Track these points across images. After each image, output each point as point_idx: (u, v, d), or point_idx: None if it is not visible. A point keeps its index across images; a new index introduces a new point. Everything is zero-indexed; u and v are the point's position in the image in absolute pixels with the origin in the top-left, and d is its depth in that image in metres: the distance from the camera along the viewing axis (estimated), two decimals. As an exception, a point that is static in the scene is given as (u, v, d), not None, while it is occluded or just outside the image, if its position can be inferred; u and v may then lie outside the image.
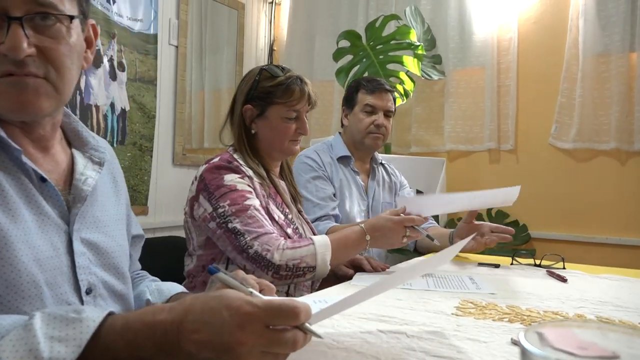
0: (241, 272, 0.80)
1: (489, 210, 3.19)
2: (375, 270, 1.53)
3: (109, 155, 0.99)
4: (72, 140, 0.95)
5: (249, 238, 1.33)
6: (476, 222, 1.79)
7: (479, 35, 3.21)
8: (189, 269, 1.52)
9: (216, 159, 1.47)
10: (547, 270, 1.56)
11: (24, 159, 0.79)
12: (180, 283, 1.53)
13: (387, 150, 3.20)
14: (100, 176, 0.93)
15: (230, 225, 1.35)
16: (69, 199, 0.86)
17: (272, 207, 1.48)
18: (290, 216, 1.54)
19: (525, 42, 3.14)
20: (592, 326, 0.48)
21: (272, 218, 1.45)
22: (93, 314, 0.60)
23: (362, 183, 2.08)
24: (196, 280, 1.50)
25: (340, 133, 2.17)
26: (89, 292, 0.85)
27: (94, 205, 0.91)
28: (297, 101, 1.50)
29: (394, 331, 0.89)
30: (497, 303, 1.13)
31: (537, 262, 1.66)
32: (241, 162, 1.48)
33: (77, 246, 0.84)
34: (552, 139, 3.04)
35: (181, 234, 1.62)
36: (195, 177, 1.47)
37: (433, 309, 1.06)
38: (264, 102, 1.51)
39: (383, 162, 2.21)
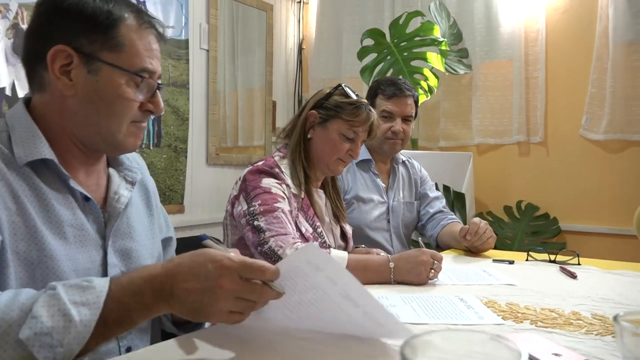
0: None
1: (518, 203, 3.18)
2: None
3: (140, 175, 1.10)
4: (110, 160, 1.07)
5: (267, 235, 1.41)
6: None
7: (506, 28, 3.19)
8: (222, 263, 1.63)
9: (260, 163, 1.57)
10: (560, 267, 1.58)
11: (72, 183, 0.91)
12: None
13: (414, 145, 3.23)
14: (133, 193, 1.04)
15: (255, 222, 1.44)
16: (104, 215, 0.98)
17: (301, 220, 1.55)
18: (319, 230, 1.60)
19: (553, 33, 3.10)
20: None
21: (299, 230, 1.52)
22: (100, 281, 0.73)
23: (382, 185, 2.12)
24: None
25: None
26: None
27: (127, 218, 1.01)
28: (360, 124, 1.59)
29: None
30: (497, 300, 1.18)
31: (552, 258, 1.68)
32: (284, 169, 1.57)
33: (111, 259, 0.95)
34: (583, 130, 3.00)
35: (214, 231, 1.71)
36: (239, 178, 1.57)
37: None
38: (331, 113, 1.59)
39: (404, 159, 2.25)
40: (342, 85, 1.64)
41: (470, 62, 3.29)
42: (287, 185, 1.54)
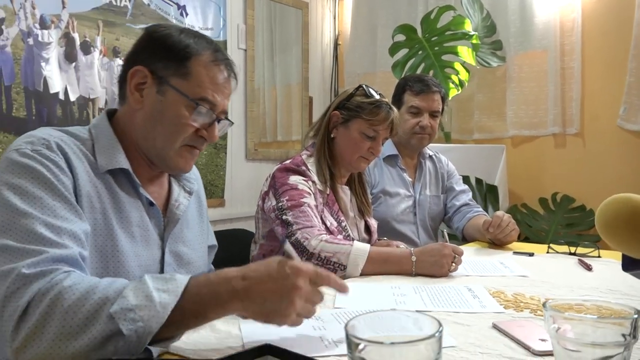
0: None
1: (553, 195, 3.16)
2: None
3: (196, 186, 1.23)
4: None
5: (295, 228, 1.51)
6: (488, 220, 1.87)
7: (540, 18, 3.16)
8: (253, 254, 1.75)
9: (288, 162, 1.68)
10: (578, 259, 1.61)
11: (141, 190, 1.05)
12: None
13: (447, 138, 3.27)
14: (189, 202, 1.18)
15: (284, 217, 1.54)
16: (164, 220, 1.11)
17: (326, 214, 1.65)
18: (344, 224, 1.69)
19: (589, 22, 3.05)
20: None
21: (324, 224, 1.61)
22: (182, 276, 0.82)
23: (409, 179, 2.19)
24: (258, 267, 1.72)
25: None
26: None
27: (183, 224, 1.15)
28: (379, 122, 1.66)
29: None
30: (504, 291, 1.24)
31: (572, 250, 1.71)
32: (310, 166, 1.67)
33: (167, 258, 1.09)
34: (621, 120, 2.95)
35: (253, 224, 1.82)
36: (269, 175, 1.69)
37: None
38: (352, 113, 1.68)
39: (431, 154, 2.30)
40: (363, 85, 1.72)
41: (504, 54, 3.28)
42: (313, 182, 1.63)
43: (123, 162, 1.03)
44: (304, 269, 0.82)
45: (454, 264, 1.42)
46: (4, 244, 0.81)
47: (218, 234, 1.42)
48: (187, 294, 0.79)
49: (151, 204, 1.07)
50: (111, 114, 1.11)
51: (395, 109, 1.71)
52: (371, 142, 1.68)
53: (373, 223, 1.85)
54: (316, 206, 1.60)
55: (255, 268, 0.83)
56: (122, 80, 1.08)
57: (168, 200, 1.14)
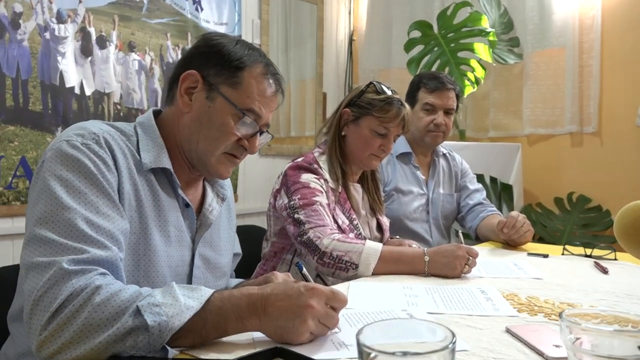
0: None
1: (569, 195, 3.12)
2: None
3: (229, 192, 1.25)
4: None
5: (307, 227, 1.51)
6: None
7: (559, 15, 3.11)
8: (264, 252, 1.75)
9: (300, 159, 1.67)
10: (594, 261, 1.59)
11: (180, 191, 1.07)
12: (253, 264, 1.78)
13: (462, 136, 3.24)
14: (221, 208, 1.20)
15: (296, 215, 1.54)
16: (197, 223, 1.13)
17: (338, 212, 1.64)
18: (355, 222, 1.68)
19: (609, 19, 3.00)
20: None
21: (336, 222, 1.61)
22: (206, 289, 0.85)
23: (422, 177, 2.17)
24: (268, 264, 1.71)
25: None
26: None
27: (213, 229, 1.17)
28: (390, 120, 1.64)
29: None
30: (517, 293, 1.22)
31: (588, 252, 1.68)
32: (322, 164, 1.66)
33: (197, 260, 1.11)
34: (640, 120, 2.91)
35: (265, 221, 1.83)
36: (281, 173, 1.68)
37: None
38: (362, 110, 1.67)
39: (445, 152, 2.28)
40: (374, 82, 1.70)
41: (521, 51, 3.24)
42: (325, 180, 1.62)
43: (166, 162, 1.05)
44: (319, 289, 0.84)
45: (467, 266, 1.40)
46: (46, 235, 0.83)
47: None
48: (210, 305, 0.82)
49: (187, 205, 1.09)
50: (156, 114, 1.13)
51: (407, 106, 1.69)
52: (382, 140, 1.66)
53: (385, 221, 1.84)
54: (328, 204, 1.59)
55: (275, 286, 0.86)
56: (173, 82, 1.10)
57: (201, 204, 1.16)
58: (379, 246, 1.45)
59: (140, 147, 1.04)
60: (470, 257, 1.41)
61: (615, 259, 1.63)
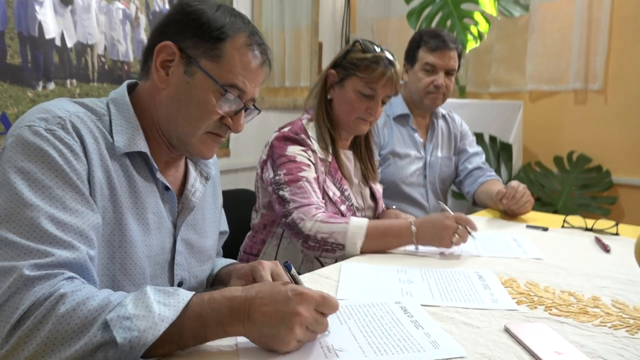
0: None
1: (570, 154, 3.05)
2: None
3: (214, 170, 1.15)
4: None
5: (291, 206, 1.44)
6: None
7: (570, -37, 2.94)
8: (253, 222, 1.69)
9: (286, 129, 1.57)
10: (595, 237, 1.53)
11: (158, 175, 0.98)
12: (243, 233, 1.72)
13: (462, 93, 3.12)
14: (205, 187, 1.11)
15: (281, 192, 1.47)
16: (179, 206, 1.04)
17: (329, 184, 1.56)
18: (347, 193, 1.60)
19: (623, -31, 2.83)
20: None
21: (326, 195, 1.54)
22: (185, 292, 0.77)
23: (420, 140, 2.08)
24: (258, 236, 1.65)
25: (399, 87, 2.16)
26: (180, 284, 1.04)
27: (197, 210, 1.08)
28: (375, 80, 1.51)
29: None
30: (517, 279, 1.17)
31: (589, 225, 1.63)
32: (310, 133, 1.56)
33: (179, 246, 1.03)
34: (648, 77, 2.80)
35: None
36: (267, 143, 1.58)
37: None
38: (347, 71, 1.55)
39: (444, 113, 2.19)
40: (359, 40, 1.57)
41: (527, 2, 3.08)
42: (313, 151, 1.54)
43: (142, 145, 0.96)
44: (308, 295, 0.77)
45: (457, 236, 1.34)
46: (5, 237, 0.75)
47: (227, 194, 1.35)
48: (188, 311, 0.75)
49: (167, 188, 1.00)
50: (132, 87, 1.02)
51: (396, 64, 1.55)
52: (369, 102, 1.55)
53: (379, 189, 1.77)
54: (317, 178, 1.51)
55: (260, 288, 0.79)
56: (148, 53, 0.99)
57: (183, 185, 1.07)
58: (364, 223, 1.39)
59: (113, 129, 0.94)
60: (460, 227, 1.35)
61: (617, 234, 1.58)
